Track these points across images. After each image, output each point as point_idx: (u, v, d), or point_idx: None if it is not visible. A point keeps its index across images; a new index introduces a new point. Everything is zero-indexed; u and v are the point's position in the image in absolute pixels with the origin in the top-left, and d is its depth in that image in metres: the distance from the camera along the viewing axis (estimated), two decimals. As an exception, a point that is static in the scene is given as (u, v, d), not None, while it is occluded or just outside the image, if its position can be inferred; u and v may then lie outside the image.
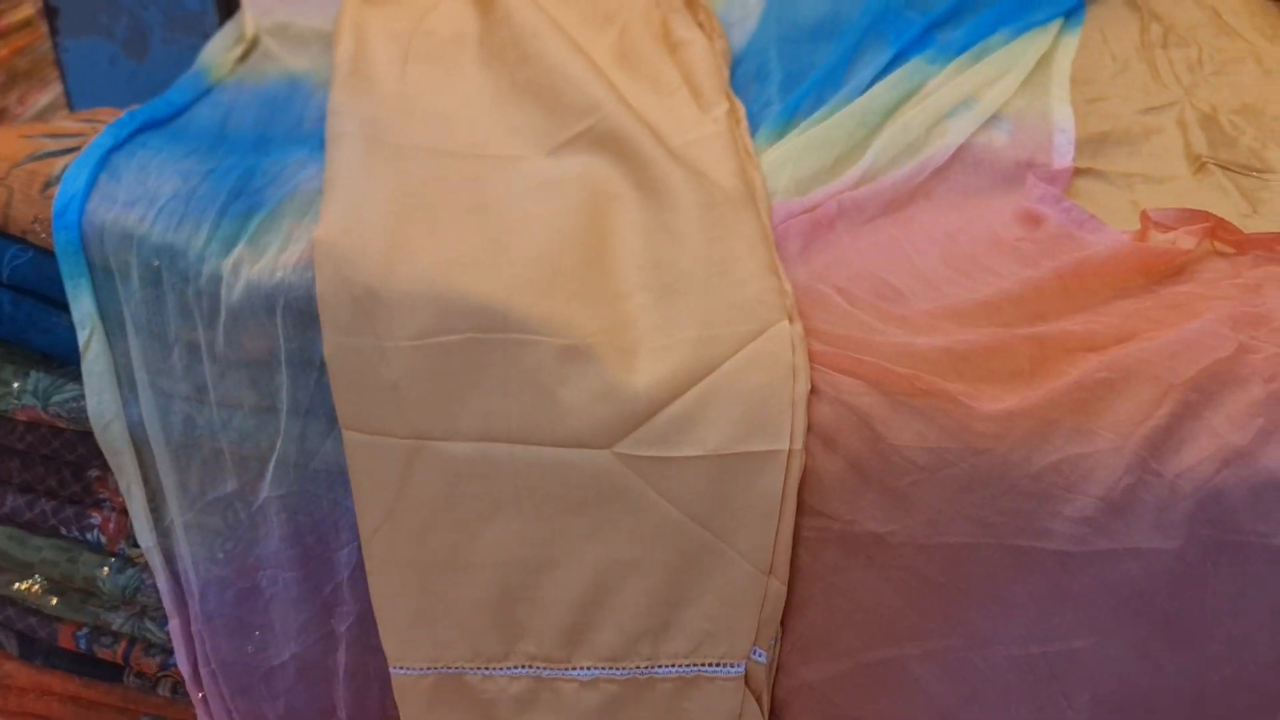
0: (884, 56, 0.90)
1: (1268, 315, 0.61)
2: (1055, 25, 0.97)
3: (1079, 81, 0.92)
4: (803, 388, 0.58)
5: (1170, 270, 0.68)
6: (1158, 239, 0.69)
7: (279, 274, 0.60)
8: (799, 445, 0.58)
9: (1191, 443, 0.57)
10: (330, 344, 0.58)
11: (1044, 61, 0.93)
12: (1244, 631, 0.57)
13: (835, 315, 0.65)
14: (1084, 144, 0.84)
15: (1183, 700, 0.59)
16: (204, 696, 0.70)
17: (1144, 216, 0.71)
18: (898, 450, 0.58)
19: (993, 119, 0.85)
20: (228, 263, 0.60)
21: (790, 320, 0.61)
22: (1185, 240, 0.68)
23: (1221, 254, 0.69)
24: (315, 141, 0.73)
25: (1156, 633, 0.58)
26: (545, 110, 0.76)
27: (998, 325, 0.64)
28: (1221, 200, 0.78)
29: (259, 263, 0.60)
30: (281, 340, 0.60)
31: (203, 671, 0.69)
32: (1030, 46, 0.93)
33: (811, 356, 0.61)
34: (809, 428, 0.59)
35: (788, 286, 0.64)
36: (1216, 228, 0.69)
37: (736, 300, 0.61)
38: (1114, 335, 0.62)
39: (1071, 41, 0.96)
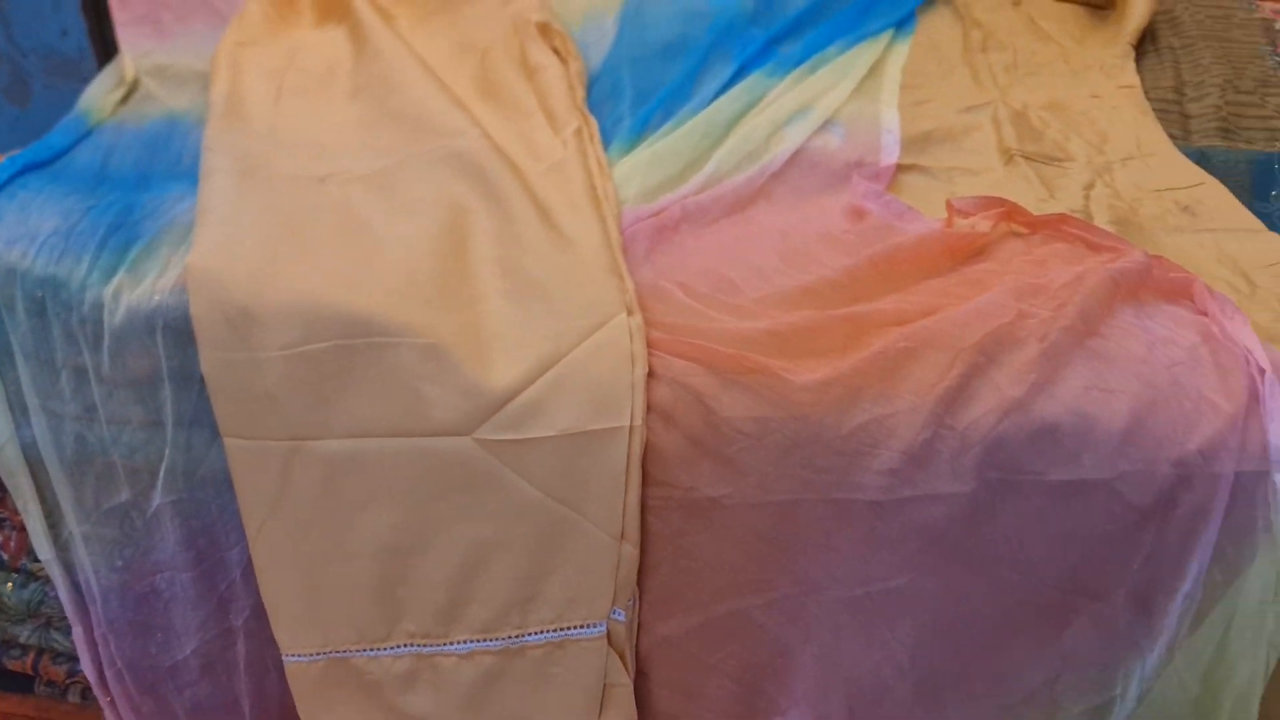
0: (728, 71, 0.98)
1: (1046, 285, 0.70)
2: (886, 36, 1.06)
3: (908, 86, 1.01)
4: (641, 371, 0.65)
5: (973, 251, 0.77)
6: (961, 225, 0.78)
7: (157, 298, 0.65)
8: (639, 422, 0.65)
9: (978, 399, 0.65)
10: (207, 359, 0.64)
11: (876, 69, 1.01)
12: (1029, 558, 0.65)
13: (675, 307, 0.72)
14: (910, 143, 0.93)
15: (987, 623, 0.67)
16: (112, 700, 0.74)
17: (949, 205, 0.79)
18: (728, 422, 0.65)
19: (827, 124, 0.93)
20: (108, 290, 0.65)
21: (630, 313, 0.68)
22: (982, 224, 0.77)
23: (1017, 235, 0.78)
24: (194, 177, 0.78)
25: (959, 566, 0.66)
26: (406, 132, 0.83)
27: (817, 308, 0.71)
28: (1025, 188, 0.87)
29: (138, 289, 0.65)
30: (163, 359, 0.65)
31: (109, 674, 0.74)
32: (862, 56, 1.02)
33: (651, 344, 0.68)
34: (649, 407, 0.66)
35: (629, 284, 0.71)
36: (1011, 212, 0.78)
37: (580, 299, 0.68)
38: (919, 311, 0.70)
39: (902, 50, 1.06)
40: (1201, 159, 0.90)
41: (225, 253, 0.66)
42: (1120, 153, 0.92)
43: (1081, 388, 0.64)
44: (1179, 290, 0.71)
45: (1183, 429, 0.63)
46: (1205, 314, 0.69)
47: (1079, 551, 0.65)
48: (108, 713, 0.76)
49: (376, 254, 0.69)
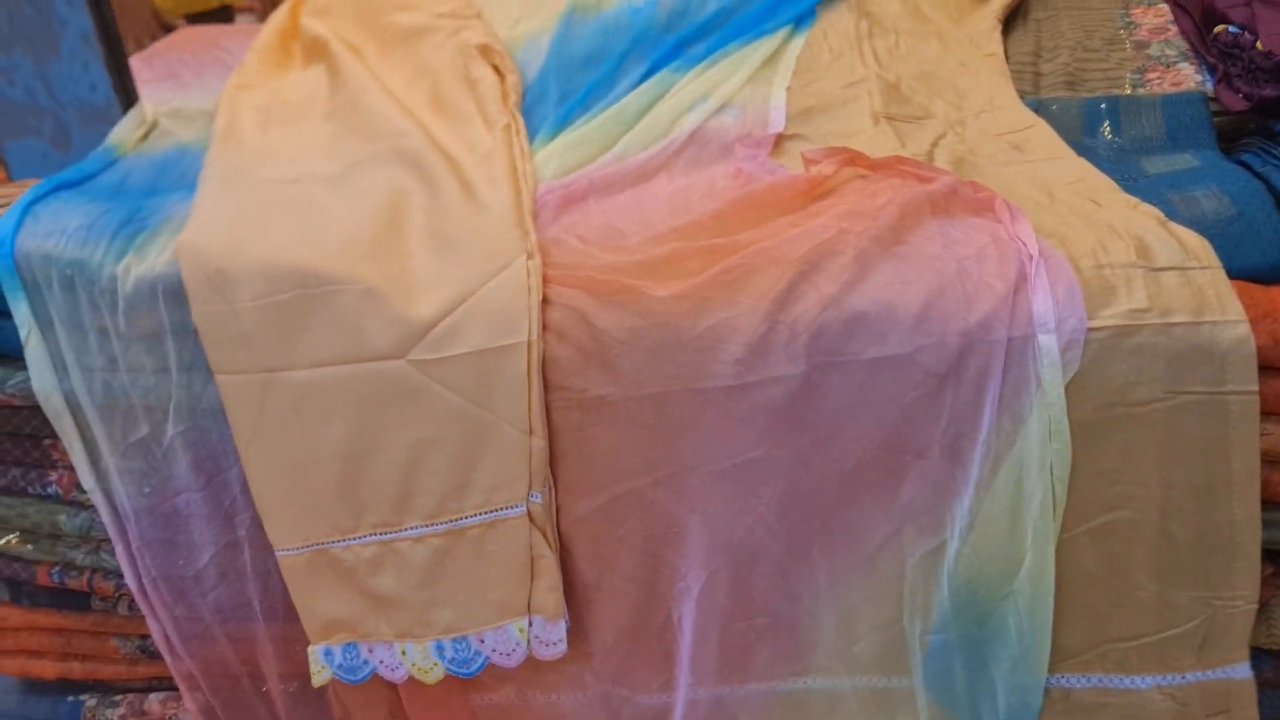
0: (641, 71, 1.15)
1: (867, 209, 0.85)
2: (784, 32, 1.22)
3: (802, 70, 1.17)
4: (536, 299, 0.82)
5: (825, 192, 0.92)
6: (812, 172, 0.93)
7: (157, 269, 0.84)
8: (535, 338, 0.81)
9: (804, 298, 0.80)
10: (196, 312, 0.82)
11: (771, 60, 1.18)
12: (858, 425, 0.80)
13: (570, 252, 0.89)
14: (795, 116, 1.09)
15: (834, 484, 0.82)
16: (152, 607, 0.92)
17: (803, 157, 0.95)
18: (606, 333, 0.81)
19: (724, 107, 1.10)
20: (121, 267, 0.84)
21: (530, 257, 0.85)
22: (827, 168, 0.92)
23: (862, 176, 0.93)
24: (194, 187, 0.96)
25: (803, 437, 0.81)
26: (365, 141, 1.01)
27: (683, 242, 0.88)
28: (884, 143, 1.02)
29: (143, 264, 0.84)
30: (165, 317, 0.84)
31: (146, 584, 0.92)
32: (760, 50, 1.18)
33: (546, 279, 0.84)
34: (545, 327, 0.82)
35: (532, 236, 0.88)
36: (854, 157, 0.93)
37: (489, 249, 0.85)
38: (763, 239, 0.86)
39: (798, 42, 1.22)
40: (1040, 108, 1.05)
41: (205, 231, 0.85)
42: (974, 109, 1.07)
43: (885, 282, 0.80)
44: (983, 205, 0.86)
45: (965, 307, 0.78)
46: (1000, 222, 0.84)
47: (896, 416, 0.80)
48: (149, 619, 0.93)
49: (325, 225, 0.87)
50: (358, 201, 0.91)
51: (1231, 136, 1.02)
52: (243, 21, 3.37)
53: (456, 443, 0.83)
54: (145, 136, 1.11)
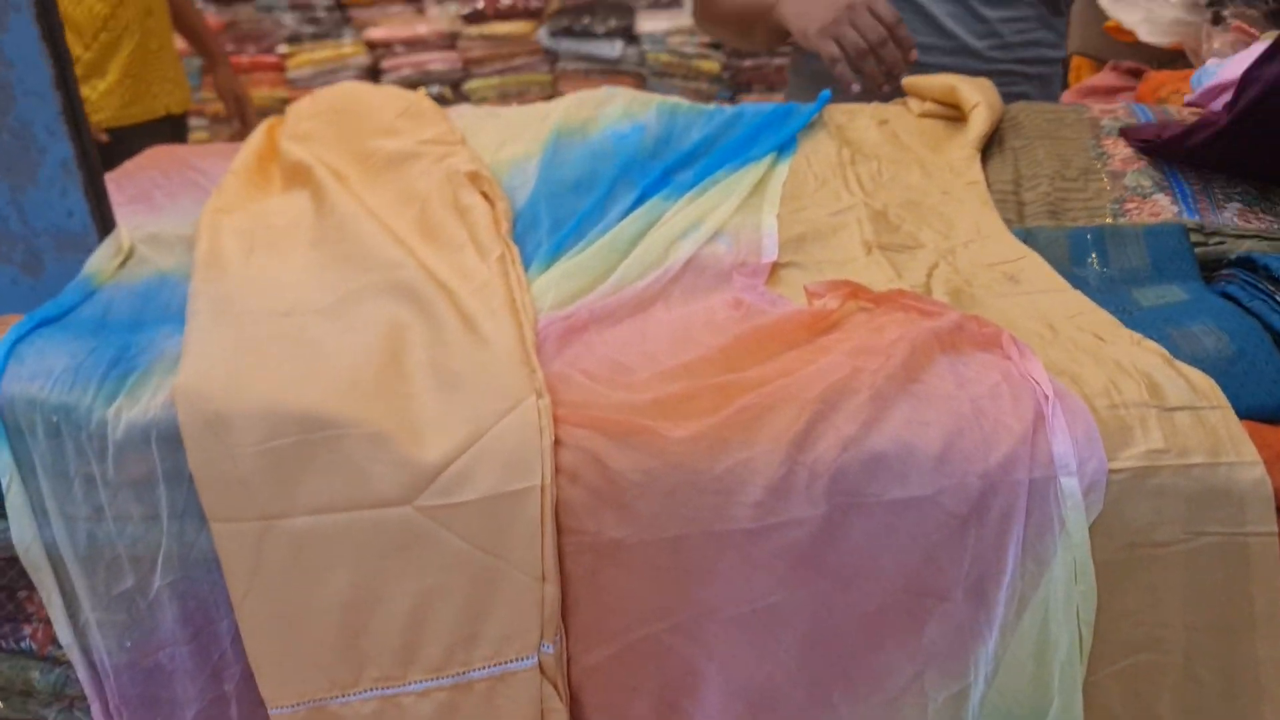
0: (631, 198, 1.16)
1: (878, 346, 0.85)
2: (769, 159, 1.24)
3: (788, 197, 1.19)
4: (548, 441, 0.80)
5: (828, 326, 0.92)
6: (816, 304, 0.94)
7: (151, 413, 0.80)
8: (549, 482, 0.79)
9: (822, 438, 0.79)
10: (193, 458, 0.79)
11: (759, 187, 1.19)
12: (879, 566, 0.79)
13: (577, 389, 0.87)
14: (787, 244, 1.10)
15: (856, 627, 0.80)
16: (126, 769, 0.86)
17: (806, 290, 0.95)
18: (621, 475, 0.80)
19: (716, 235, 1.10)
20: (111, 411, 0.80)
21: (539, 396, 0.83)
22: (831, 302, 0.92)
23: (864, 310, 0.94)
24: (180, 320, 0.93)
25: (825, 580, 0.79)
26: (357, 270, 0.99)
27: (693, 379, 0.87)
28: (879, 273, 1.03)
29: (135, 408, 0.80)
30: (158, 462, 0.80)
31: (123, 744, 0.86)
32: (747, 177, 1.20)
33: (556, 419, 0.82)
34: (557, 469, 0.80)
35: (539, 374, 0.86)
36: (856, 290, 0.94)
37: (496, 387, 0.83)
38: (777, 376, 0.85)
39: (783, 169, 1.24)
40: (1028, 237, 1.07)
41: (202, 373, 0.81)
42: (962, 238, 1.09)
43: (903, 422, 0.79)
44: (990, 341, 0.86)
45: (984, 448, 0.77)
46: (1009, 358, 0.84)
47: (919, 558, 0.78)
48: (122, 783, 0.87)
49: (325, 362, 0.84)
50: (355, 335, 0.89)
51: (1211, 266, 1.05)
52: (194, 125, 3.35)
53: (465, 591, 0.79)
54: (123, 264, 1.08)
